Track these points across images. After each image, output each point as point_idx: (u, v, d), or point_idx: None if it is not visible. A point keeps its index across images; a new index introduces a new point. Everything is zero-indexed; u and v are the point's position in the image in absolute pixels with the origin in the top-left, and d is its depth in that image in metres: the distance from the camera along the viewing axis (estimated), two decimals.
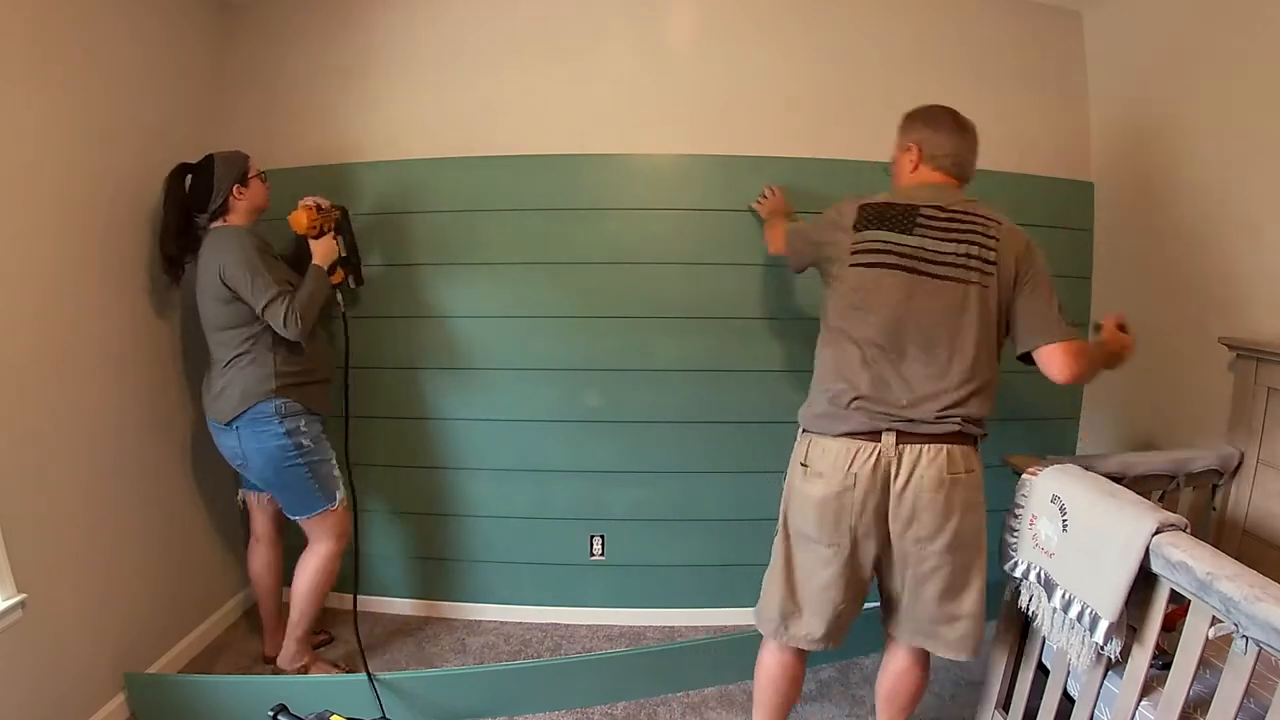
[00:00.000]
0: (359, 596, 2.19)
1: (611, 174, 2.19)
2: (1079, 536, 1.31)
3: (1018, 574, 1.47)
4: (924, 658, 1.55)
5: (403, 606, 2.47)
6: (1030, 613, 1.44)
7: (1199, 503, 1.76)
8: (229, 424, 1.81)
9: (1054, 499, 1.38)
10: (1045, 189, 2.29)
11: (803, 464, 1.44)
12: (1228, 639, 1.05)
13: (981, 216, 1.41)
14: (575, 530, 2.38)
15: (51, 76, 1.66)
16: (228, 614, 2.36)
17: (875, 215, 1.43)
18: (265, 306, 1.74)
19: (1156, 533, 1.16)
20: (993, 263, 1.38)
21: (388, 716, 1.69)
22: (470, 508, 2.39)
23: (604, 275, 2.23)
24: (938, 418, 1.34)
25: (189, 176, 1.86)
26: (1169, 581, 1.16)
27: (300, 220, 1.91)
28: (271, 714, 1.17)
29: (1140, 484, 1.58)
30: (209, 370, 1.87)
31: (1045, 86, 2.29)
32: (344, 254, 2.02)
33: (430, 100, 2.21)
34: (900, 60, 2.22)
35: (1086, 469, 1.45)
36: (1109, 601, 1.22)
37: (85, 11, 1.75)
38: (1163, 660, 1.23)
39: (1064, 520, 1.34)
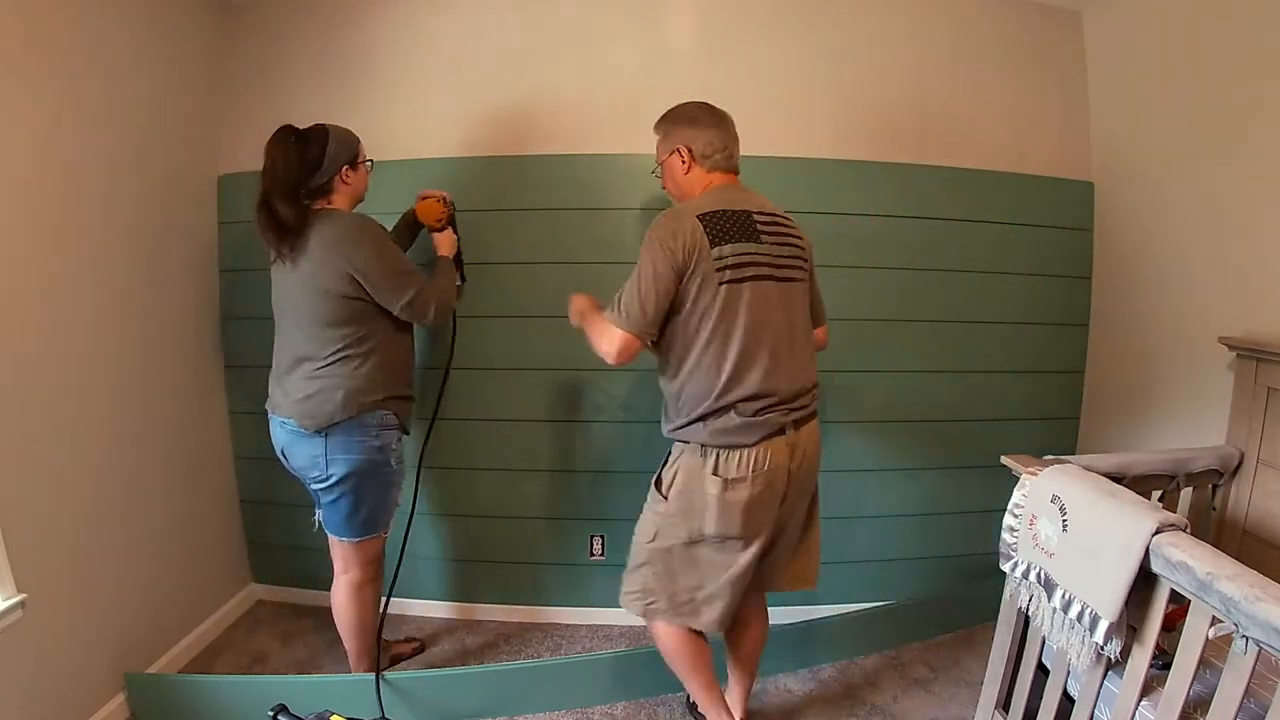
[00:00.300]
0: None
1: (611, 174, 2.19)
2: (1079, 536, 1.31)
3: (1017, 574, 1.47)
4: (765, 608, 1.78)
5: (402, 606, 2.47)
6: (1030, 613, 1.44)
7: (1199, 503, 1.76)
8: (320, 431, 1.64)
9: (1054, 499, 1.38)
10: (1045, 189, 2.29)
11: (717, 475, 1.45)
12: (1228, 639, 1.05)
13: (786, 219, 1.54)
14: (575, 530, 2.38)
15: (50, 76, 1.66)
16: (228, 614, 2.36)
17: (723, 228, 1.43)
18: (411, 300, 1.64)
19: (1156, 533, 1.16)
20: (805, 259, 1.56)
21: (387, 717, 1.69)
22: (470, 508, 2.39)
23: (604, 275, 2.22)
24: (809, 399, 1.54)
25: (297, 141, 1.64)
26: (1169, 581, 1.16)
27: (432, 211, 1.87)
28: (271, 714, 1.17)
29: (1140, 484, 1.58)
30: (288, 368, 1.68)
31: (1045, 86, 2.29)
32: (457, 251, 1.96)
33: (430, 100, 2.21)
34: (900, 60, 2.22)
35: (1086, 469, 1.45)
36: (1109, 601, 1.22)
37: (84, 11, 1.75)
38: (1163, 660, 1.23)
39: (1064, 520, 1.34)
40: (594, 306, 1.59)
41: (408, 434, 1.82)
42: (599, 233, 2.21)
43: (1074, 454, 1.75)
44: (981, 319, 2.33)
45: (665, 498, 1.54)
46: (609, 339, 1.44)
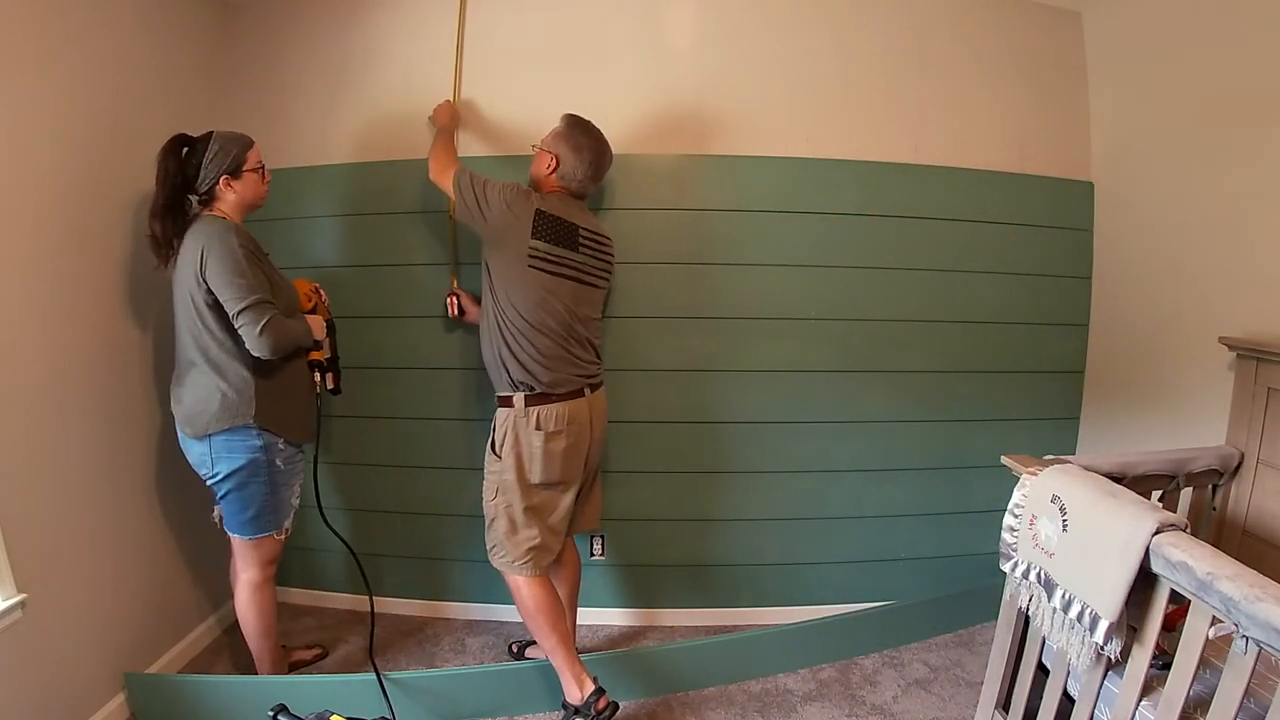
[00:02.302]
0: (357, 596, 2.19)
1: (612, 174, 2.18)
2: (1079, 536, 1.31)
3: (1017, 574, 1.47)
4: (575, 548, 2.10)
5: (403, 606, 2.47)
6: (1030, 613, 1.44)
7: (1199, 503, 1.76)
8: (200, 437, 1.69)
9: (1054, 499, 1.38)
10: (1045, 189, 2.29)
11: (539, 429, 1.78)
12: (1228, 639, 1.05)
13: (605, 238, 1.92)
14: None
15: (49, 75, 1.66)
16: (228, 614, 2.36)
17: (550, 230, 1.77)
18: (241, 310, 1.58)
19: (1156, 533, 1.16)
20: (610, 271, 1.95)
21: (388, 717, 1.68)
22: (470, 508, 2.38)
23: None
24: (596, 371, 1.92)
25: (185, 150, 1.69)
26: (1169, 581, 1.16)
27: (300, 289, 1.87)
28: (271, 714, 1.17)
29: (1140, 484, 1.58)
30: (178, 373, 1.73)
31: (1045, 86, 2.29)
32: (329, 355, 1.92)
33: (431, 100, 2.20)
34: (901, 61, 2.22)
35: (1086, 469, 1.45)
36: (1109, 601, 1.22)
37: (84, 10, 1.75)
38: (1163, 660, 1.23)
39: (1064, 520, 1.34)
40: (451, 133, 2.04)
41: (297, 446, 1.81)
42: (609, 232, 2.20)
43: (1074, 454, 1.76)
44: (981, 319, 2.33)
45: (499, 456, 1.85)
46: (437, 166, 1.89)
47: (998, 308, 2.32)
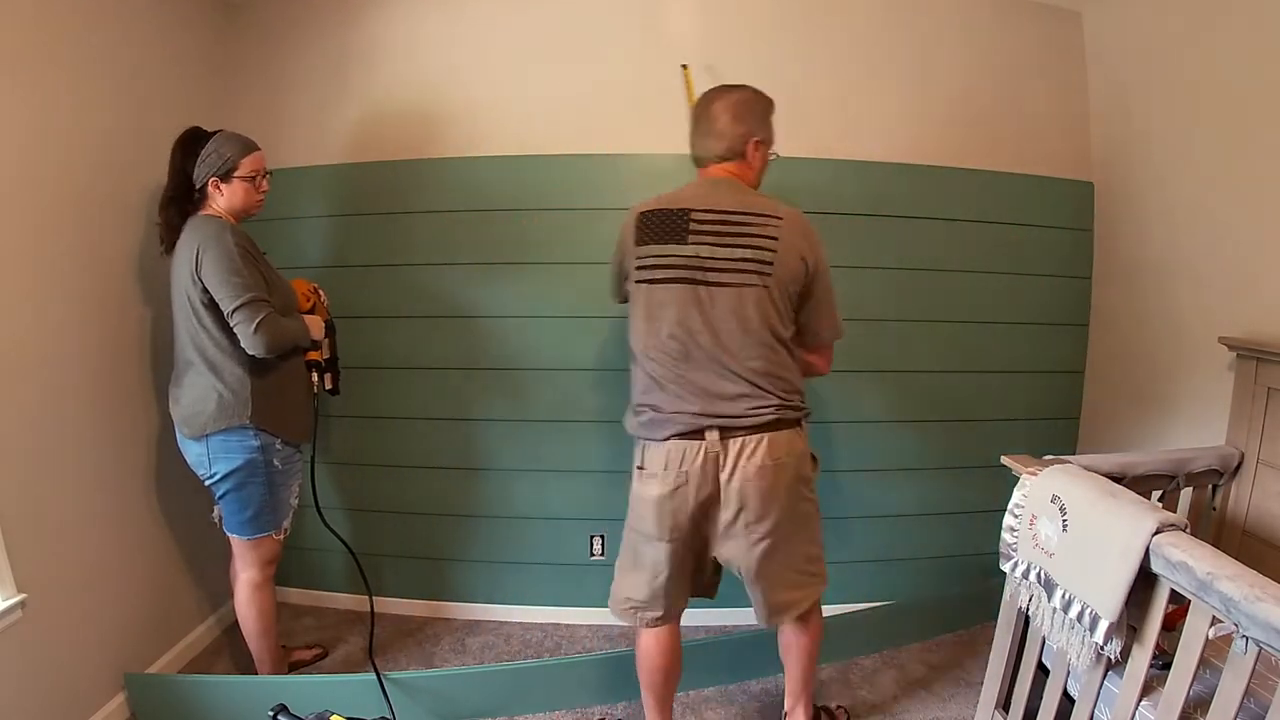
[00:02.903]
0: (357, 596, 2.19)
1: (614, 174, 2.19)
2: (1079, 536, 1.31)
3: (1017, 574, 1.47)
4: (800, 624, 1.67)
5: (403, 606, 2.47)
6: (1030, 613, 1.44)
7: (1199, 503, 1.76)
8: (197, 437, 1.70)
9: (1054, 499, 1.38)
10: (1045, 189, 2.29)
11: (639, 467, 1.49)
12: (1228, 639, 1.04)
13: (744, 215, 1.43)
14: (575, 530, 2.38)
15: (49, 75, 1.66)
16: (228, 614, 2.36)
17: (651, 228, 1.46)
18: (236, 309, 1.57)
19: (1156, 533, 1.16)
20: (765, 262, 1.41)
21: (388, 717, 1.68)
22: (470, 508, 2.39)
23: (604, 275, 2.22)
24: (748, 410, 1.41)
25: (192, 144, 1.69)
26: (1169, 581, 1.16)
27: (299, 288, 1.87)
28: (271, 714, 1.17)
29: (1140, 484, 1.58)
30: (177, 372, 1.73)
31: (1045, 86, 2.29)
32: (328, 356, 1.92)
33: (431, 100, 2.21)
34: (901, 61, 2.22)
35: (1086, 469, 1.45)
36: (1109, 601, 1.22)
37: (83, 10, 1.75)
38: (1163, 660, 1.23)
39: (1064, 520, 1.34)
40: None
41: (295, 446, 1.80)
42: (602, 232, 2.20)
43: (1074, 454, 1.75)
44: (981, 319, 2.33)
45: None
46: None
47: (998, 308, 2.32)
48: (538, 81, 2.19)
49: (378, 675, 1.83)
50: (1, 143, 1.53)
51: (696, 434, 1.41)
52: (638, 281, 1.46)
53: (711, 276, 1.41)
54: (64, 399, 1.72)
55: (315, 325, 1.85)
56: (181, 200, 1.69)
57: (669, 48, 2.19)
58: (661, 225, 1.44)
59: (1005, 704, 1.62)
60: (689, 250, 1.41)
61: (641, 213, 1.49)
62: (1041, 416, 2.42)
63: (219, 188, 1.68)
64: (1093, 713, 1.35)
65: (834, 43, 2.20)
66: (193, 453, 1.74)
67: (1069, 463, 1.49)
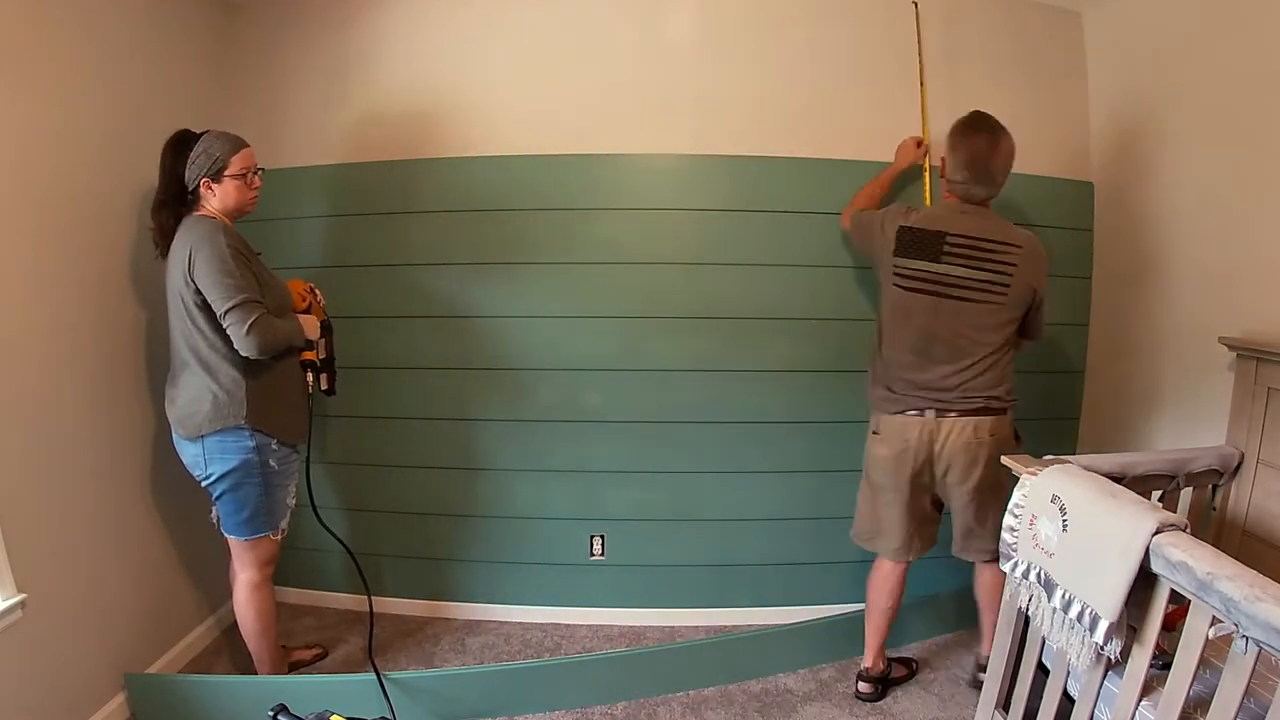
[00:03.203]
0: (357, 596, 2.18)
1: (613, 174, 2.19)
2: (1079, 536, 1.31)
3: (1017, 574, 1.47)
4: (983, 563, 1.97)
5: (403, 606, 2.47)
6: (1030, 613, 1.44)
7: (1199, 503, 1.76)
8: (193, 438, 1.70)
9: (1054, 499, 1.38)
10: (1045, 189, 2.29)
11: (874, 432, 1.88)
12: (1228, 639, 1.04)
13: (995, 243, 1.71)
14: (575, 530, 2.38)
15: (48, 75, 1.66)
16: (228, 614, 2.35)
17: (910, 244, 1.74)
18: (229, 310, 1.57)
19: (1156, 533, 1.16)
20: (1003, 285, 1.71)
21: (388, 717, 1.68)
22: (470, 508, 2.39)
23: (604, 275, 2.23)
24: (972, 397, 1.76)
25: (182, 147, 1.68)
26: (1169, 581, 1.16)
27: (294, 288, 1.87)
28: (271, 714, 1.17)
29: (1140, 484, 1.58)
30: (173, 372, 1.73)
31: (1045, 86, 2.29)
32: (324, 356, 1.92)
33: (430, 100, 2.21)
34: (901, 60, 2.21)
35: (1086, 469, 1.45)
36: (1109, 601, 1.22)
37: (83, 10, 1.75)
38: (1163, 660, 1.23)
39: (1064, 520, 1.34)
40: (885, 184, 2.07)
41: (291, 446, 1.80)
42: (602, 232, 2.21)
43: (1074, 454, 1.75)
44: None
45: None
46: (845, 212, 2.04)
47: None
48: (537, 82, 2.19)
49: (377, 675, 1.83)
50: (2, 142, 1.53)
51: (919, 412, 1.77)
52: (893, 285, 1.78)
53: (955, 292, 1.72)
54: (63, 399, 1.72)
55: (310, 325, 1.85)
56: (174, 203, 1.68)
57: (669, 48, 2.19)
58: (919, 243, 1.73)
59: (1005, 704, 1.62)
60: (940, 269, 1.72)
61: (902, 226, 1.75)
62: (1041, 416, 2.41)
63: (211, 188, 1.67)
64: (1093, 713, 1.35)
65: (833, 43, 2.20)
66: (189, 453, 1.74)
67: (1069, 463, 1.49)
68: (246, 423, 1.68)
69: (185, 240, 1.61)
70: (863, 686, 2.01)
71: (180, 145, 1.67)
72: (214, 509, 1.83)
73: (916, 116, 2.23)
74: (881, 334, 1.85)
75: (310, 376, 1.88)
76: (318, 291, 1.97)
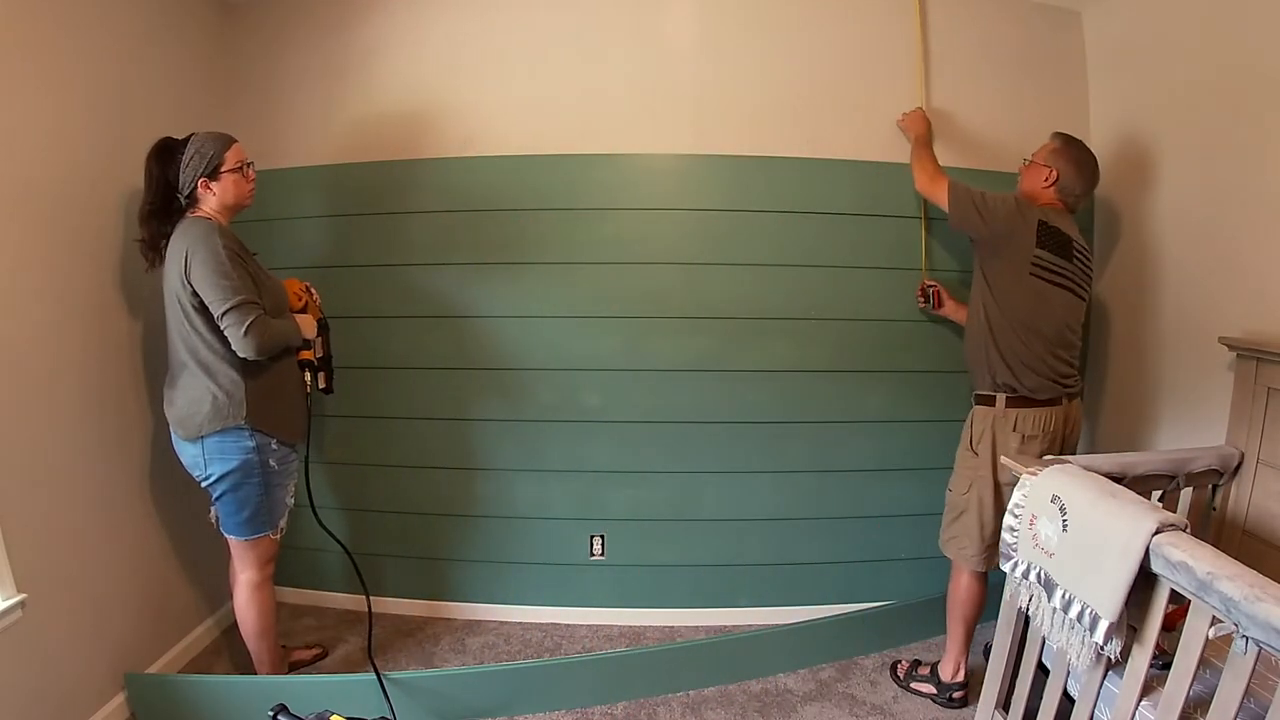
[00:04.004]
0: (356, 596, 2.18)
1: (612, 174, 2.19)
2: (1079, 536, 1.31)
3: (1017, 574, 1.47)
4: None
5: (403, 606, 2.47)
6: (1030, 613, 1.44)
7: (1199, 503, 1.76)
8: (193, 439, 1.69)
9: (1054, 499, 1.38)
10: None
11: (1016, 430, 1.85)
12: (1228, 639, 1.05)
13: (1089, 251, 1.92)
14: (575, 530, 2.38)
15: (49, 76, 1.66)
16: (228, 614, 2.35)
17: (1052, 240, 1.81)
18: (226, 312, 1.57)
19: (1156, 533, 1.16)
20: (1091, 285, 1.95)
21: (388, 717, 1.68)
22: (470, 508, 2.39)
23: (604, 275, 2.23)
24: (1075, 382, 1.92)
25: (168, 154, 1.69)
26: (1169, 581, 1.16)
27: (290, 287, 1.87)
28: (271, 714, 1.17)
29: (1140, 484, 1.58)
30: (171, 375, 1.74)
31: (1045, 86, 2.29)
32: (321, 355, 1.92)
33: (430, 100, 2.21)
34: (901, 60, 2.21)
35: (1086, 469, 1.45)
36: (1109, 601, 1.22)
37: (84, 11, 1.75)
38: (1163, 660, 1.23)
39: (1064, 520, 1.34)
40: (929, 144, 2.05)
41: (290, 446, 1.80)
42: (603, 232, 2.21)
43: (1074, 454, 1.75)
44: None
45: (976, 453, 1.90)
46: (926, 176, 1.96)
47: None
48: (536, 82, 2.19)
49: (378, 675, 1.83)
50: (5, 144, 1.53)
51: (1056, 401, 1.85)
52: (1030, 274, 1.80)
53: (1076, 289, 1.85)
54: (63, 400, 1.72)
55: (307, 324, 1.85)
56: (162, 212, 1.68)
57: (669, 48, 2.19)
58: (1056, 241, 1.82)
59: (1005, 704, 1.62)
60: (1072, 267, 1.83)
61: (1041, 221, 1.80)
62: None
63: (209, 187, 1.67)
64: (1093, 713, 1.35)
65: (833, 42, 2.20)
66: (188, 454, 1.74)
67: (1069, 463, 1.49)
68: (246, 423, 1.68)
69: (181, 243, 1.61)
70: (956, 695, 1.98)
71: (165, 153, 1.68)
72: (212, 509, 1.83)
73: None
74: (1010, 321, 1.83)
75: (308, 376, 1.88)
76: (313, 290, 1.97)
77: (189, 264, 1.58)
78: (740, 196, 2.19)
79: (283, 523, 1.84)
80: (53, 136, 1.67)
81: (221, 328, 1.61)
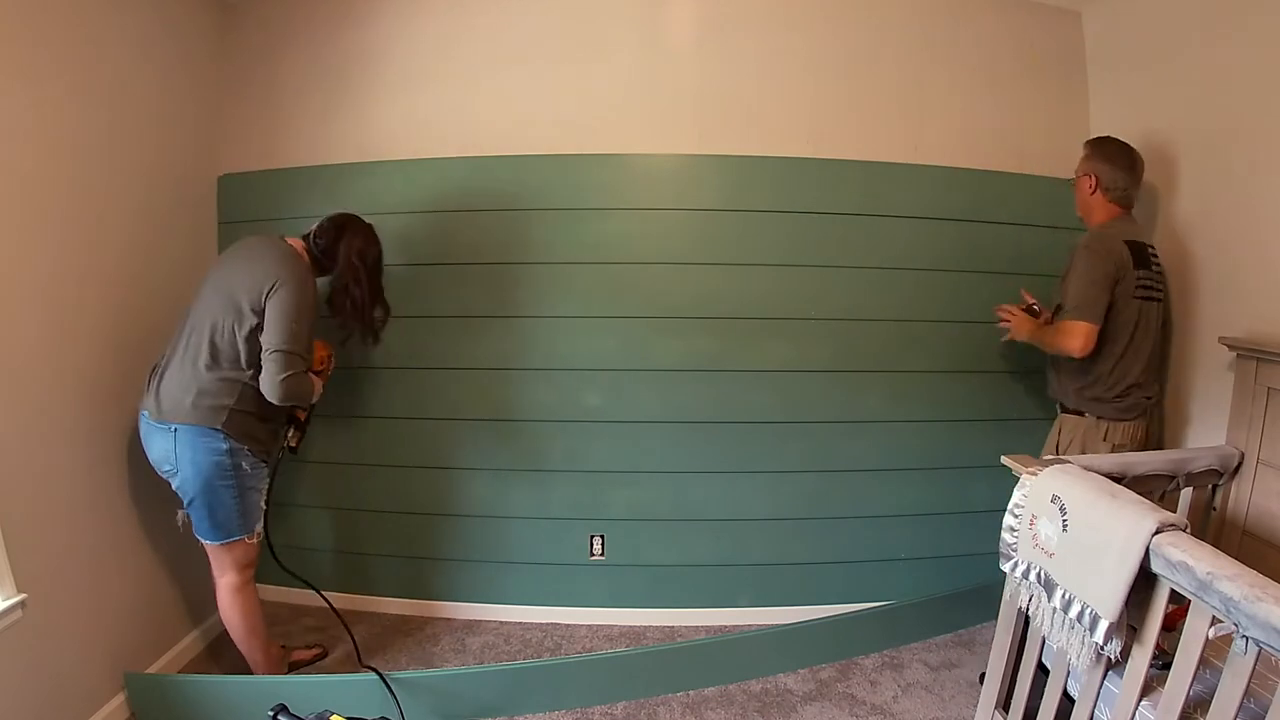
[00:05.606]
0: (357, 596, 2.18)
1: (613, 174, 2.19)
2: (1079, 536, 1.31)
3: (1018, 574, 1.47)
4: None
5: (402, 606, 2.47)
6: (1030, 613, 1.44)
7: (1199, 503, 1.76)
8: (166, 422, 1.67)
9: (1054, 499, 1.38)
10: (1045, 189, 2.29)
11: (1106, 440, 1.88)
12: (1228, 639, 1.05)
13: (1156, 250, 1.90)
14: (575, 530, 2.38)
15: (51, 76, 1.66)
16: None
17: (1138, 255, 1.81)
18: (279, 352, 1.64)
19: (1156, 533, 1.16)
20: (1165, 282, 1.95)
21: (388, 717, 1.68)
22: (470, 508, 2.39)
23: (604, 275, 2.23)
24: (1155, 390, 1.92)
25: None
26: (1169, 581, 1.16)
27: (318, 350, 1.90)
28: (271, 714, 1.17)
29: (1140, 484, 1.58)
30: (170, 360, 1.73)
31: (1045, 86, 2.29)
32: (304, 416, 1.98)
33: (430, 100, 2.21)
34: (901, 60, 2.22)
35: (1086, 469, 1.45)
36: (1109, 601, 1.22)
37: (84, 11, 1.75)
38: (1163, 660, 1.23)
39: (1064, 520, 1.34)
40: (1037, 323, 2.01)
41: (262, 458, 1.80)
42: (603, 232, 2.21)
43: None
44: (982, 319, 2.32)
45: None
46: (1075, 335, 1.79)
47: None
48: (537, 82, 2.19)
49: (380, 676, 1.83)
50: (5, 143, 1.53)
51: (1144, 414, 1.89)
52: (1134, 297, 1.80)
53: (1162, 298, 1.88)
54: (62, 400, 1.72)
55: (317, 389, 1.87)
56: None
57: (670, 48, 2.19)
58: (1140, 254, 1.82)
59: (1005, 704, 1.62)
60: (1154, 276, 1.85)
61: (1126, 240, 1.81)
62: (1042, 417, 2.41)
63: (335, 259, 1.87)
64: (1093, 713, 1.35)
65: (833, 42, 2.20)
66: (157, 446, 1.71)
67: (1069, 463, 1.49)
68: (221, 428, 1.69)
69: (280, 266, 1.70)
70: None
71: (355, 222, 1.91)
72: (180, 513, 1.82)
73: (916, 116, 2.24)
74: (1115, 349, 1.83)
75: (290, 430, 1.94)
76: (334, 359, 2.00)
77: (277, 290, 1.66)
78: (741, 197, 2.20)
79: (259, 526, 1.83)
80: (51, 136, 1.67)
81: (263, 359, 1.66)
